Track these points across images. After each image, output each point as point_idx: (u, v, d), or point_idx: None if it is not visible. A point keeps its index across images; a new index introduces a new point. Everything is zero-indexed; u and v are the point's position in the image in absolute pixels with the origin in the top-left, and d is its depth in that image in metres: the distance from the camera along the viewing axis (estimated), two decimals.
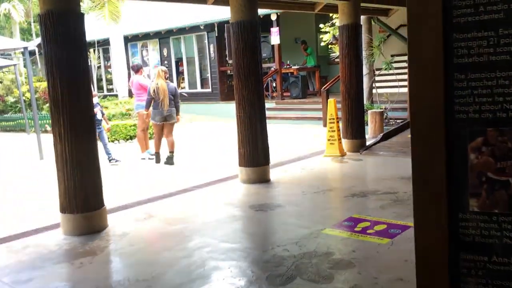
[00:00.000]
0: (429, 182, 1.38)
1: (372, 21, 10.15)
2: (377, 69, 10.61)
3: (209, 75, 16.43)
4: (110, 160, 8.55)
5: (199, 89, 16.80)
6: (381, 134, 8.45)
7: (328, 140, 7.78)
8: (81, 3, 4.73)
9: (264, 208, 5.22)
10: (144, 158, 8.92)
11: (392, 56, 10.86)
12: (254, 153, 6.26)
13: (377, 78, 10.64)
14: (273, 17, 13.80)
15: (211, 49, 16.13)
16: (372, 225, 4.36)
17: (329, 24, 10.35)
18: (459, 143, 1.33)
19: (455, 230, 1.37)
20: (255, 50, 6.19)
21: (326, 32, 10.53)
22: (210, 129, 13.33)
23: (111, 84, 19.47)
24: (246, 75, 6.15)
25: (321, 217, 4.84)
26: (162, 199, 5.87)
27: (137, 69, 9.43)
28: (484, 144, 1.31)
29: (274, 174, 6.58)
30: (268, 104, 8.72)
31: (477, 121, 1.31)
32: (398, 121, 10.26)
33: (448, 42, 1.30)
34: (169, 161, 8.35)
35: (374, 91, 10.33)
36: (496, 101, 1.29)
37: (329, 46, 10.75)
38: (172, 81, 16.49)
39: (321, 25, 10.66)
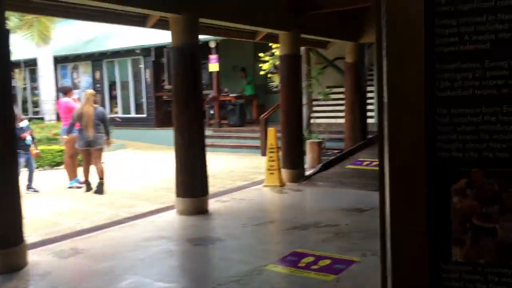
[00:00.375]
0: (408, 228, 1.23)
1: (311, 53, 10.31)
2: (315, 100, 10.75)
3: (144, 100, 15.96)
4: (28, 188, 7.87)
5: (133, 114, 16.25)
6: (320, 165, 8.45)
7: (268, 169, 7.65)
8: (7, 21, 4.33)
9: (203, 242, 4.94)
10: (71, 187, 8.33)
11: (328, 87, 11.07)
12: (193, 182, 5.99)
13: (314, 109, 10.77)
14: (212, 44, 13.71)
15: (147, 73, 15.73)
16: (316, 260, 4.21)
17: (269, 53, 10.40)
18: (440, 184, 1.19)
19: (436, 282, 1.22)
20: (195, 76, 5.99)
21: (265, 61, 10.56)
22: (144, 156, 12.84)
23: (38, 106, 18.42)
24: (185, 101, 5.92)
25: (263, 252, 4.63)
26: (90, 232, 5.41)
27: (66, 91, 8.92)
28: (469, 186, 1.18)
29: (212, 205, 6.32)
30: (206, 132, 8.41)
31: (460, 160, 1.18)
32: (335, 151, 10.37)
33: (430, 73, 1.18)
34: (99, 189, 7.86)
35: (312, 121, 10.42)
36: (482, 139, 1.17)
37: (269, 75, 10.77)
38: (104, 105, 15.86)
39: (261, 54, 10.69)
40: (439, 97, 1.18)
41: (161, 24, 6.58)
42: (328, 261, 4.16)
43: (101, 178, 7.86)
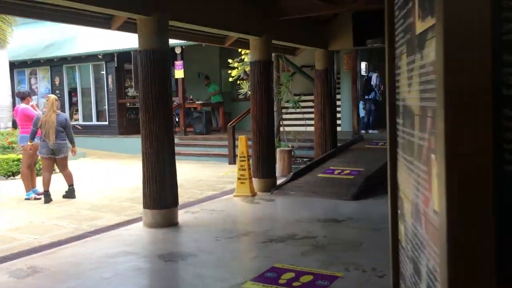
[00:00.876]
0: (470, 253, 1.00)
1: (280, 59, 10.15)
2: (284, 107, 10.57)
3: (106, 107, 15.39)
4: None
5: (94, 121, 15.65)
6: (291, 173, 8.25)
7: (239, 179, 7.38)
8: None
9: (174, 257, 4.60)
10: (29, 198, 7.80)
11: (297, 95, 10.92)
12: (162, 193, 5.65)
13: (284, 116, 10.60)
14: (178, 50, 13.38)
15: (110, 79, 15.18)
16: (297, 276, 3.96)
17: (238, 59, 10.16)
18: (509, 203, 0.97)
19: None
20: (165, 81, 5.67)
21: (234, 68, 10.31)
22: (107, 165, 12.31)
23: None
24: (154, 107, 5.59)
25: (240, 268, 4.36)
26: (50, 248, 4.99)
27: (23, 97, 8.39)
28: None
29: (182, 216, 5.99)
30: None
31: None
32: (304, 159, 10.22)
33: (496, 66, 0.96)
34: (70, 194, 7.75)
35: (281, 129, 10.23)
36: None
37: (238, 82, 10.53)
38: (64, 112, 15.17)
39: (230, 60, 10.43)
40: (507, 97, 0.96)
41: (128, 27, 6.24)
42: (310, 277, 3.93)
43: (71, 185, 7.78)
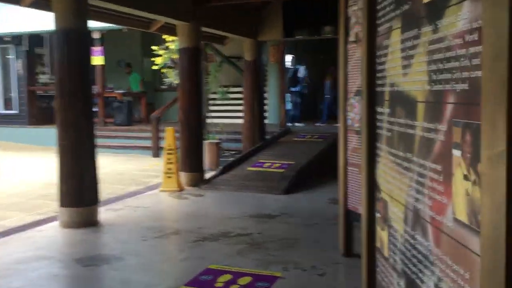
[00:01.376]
0: None
1: (207, 49, 9.76)
2: (212, 99, 10.22)
3: (15, 94, 14.08)
4: None
5: (1, 110, 14.28)
6: (220, 167, 7.95)
7: (166, 173, 6.95)
8: None
9: (97, 261, 4.13)
10: None
11: (225, 86, 10.60)
12: (80, 189, 5.11)
13: (211, 108, 10.24)
14: (96, 35, 12.48)
15: (19, 65, 13.89)
16: (235, 278, 3.69)
17: (163, 46, 9.62)
18: None
19: None
20: (83, 64, 5.12)
21: (158, 55, 9.75)
22: (15, 158, 11.22)
23: None
24: (71, 93, 5.02)
25: (171, 271, 4.00)
26: None
27: None
28: None
29: (103, 214, 5.47)
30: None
31: None
32: (232, 152, 9.96)
33: None
34: None
35: (208, 120, 9.87)
36: None
37: (162, 70, 9.97)
38: None
39: (154, 48, 9.85)
40: None
41: (41, 4, 5.59)
42: (248, 279, 3.66)
43: None
